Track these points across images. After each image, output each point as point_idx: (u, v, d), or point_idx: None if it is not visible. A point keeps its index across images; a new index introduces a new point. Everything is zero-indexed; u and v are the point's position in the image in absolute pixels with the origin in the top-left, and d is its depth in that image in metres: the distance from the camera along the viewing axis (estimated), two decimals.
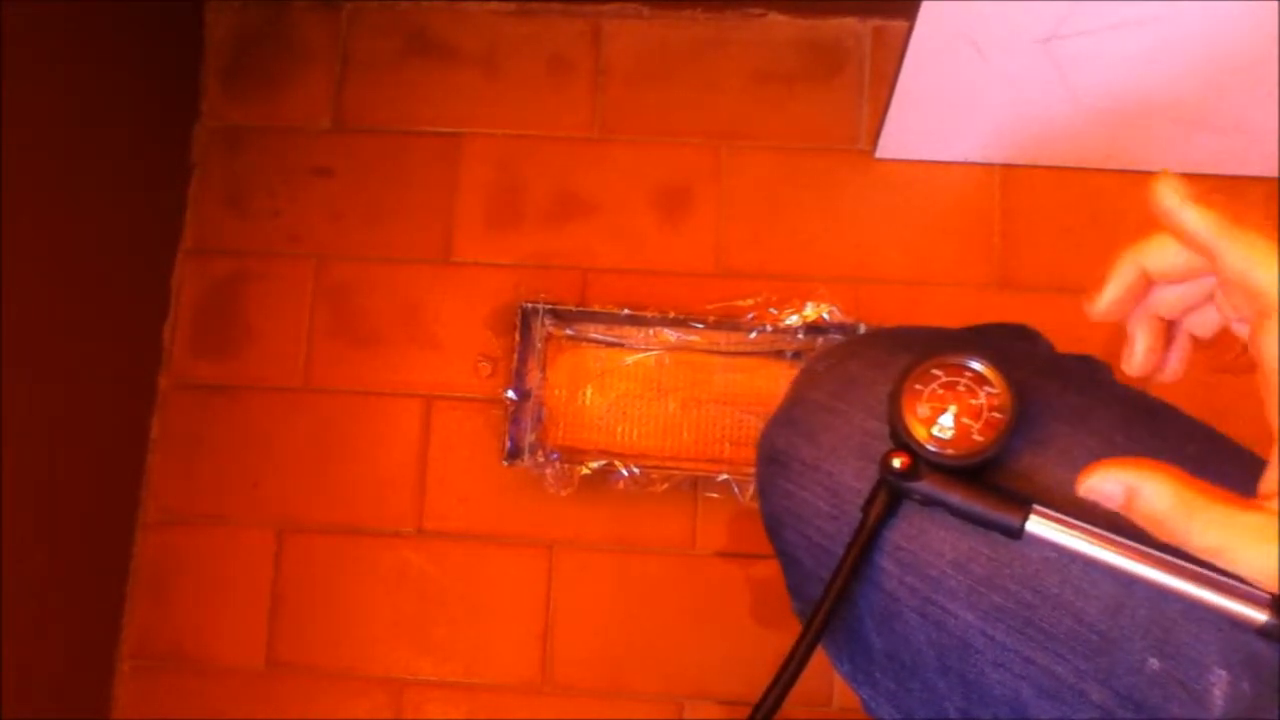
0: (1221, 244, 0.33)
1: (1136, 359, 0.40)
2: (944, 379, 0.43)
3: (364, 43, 1.15)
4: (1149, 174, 1.13)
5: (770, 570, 1.04)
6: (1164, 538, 0.33)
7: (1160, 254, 0.36)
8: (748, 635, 1.03)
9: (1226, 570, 0.31)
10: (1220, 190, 0.35)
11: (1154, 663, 0.39)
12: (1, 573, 0.84)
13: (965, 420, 0.42)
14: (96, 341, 0.99)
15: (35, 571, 0.90)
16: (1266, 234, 0.33)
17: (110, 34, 0.98)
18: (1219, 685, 0.38)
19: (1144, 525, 0.33)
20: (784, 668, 0.45)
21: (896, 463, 0.42)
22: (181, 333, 1.11)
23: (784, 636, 1.04)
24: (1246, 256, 0.33)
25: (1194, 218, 0.34)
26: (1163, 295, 0.38)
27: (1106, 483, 0.34)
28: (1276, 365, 0.32)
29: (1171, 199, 0.35)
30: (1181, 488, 0.32)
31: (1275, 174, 1.05)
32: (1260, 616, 0.34)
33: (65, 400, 0.94)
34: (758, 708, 0.44)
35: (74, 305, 0.94)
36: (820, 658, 0.48)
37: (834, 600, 0.44)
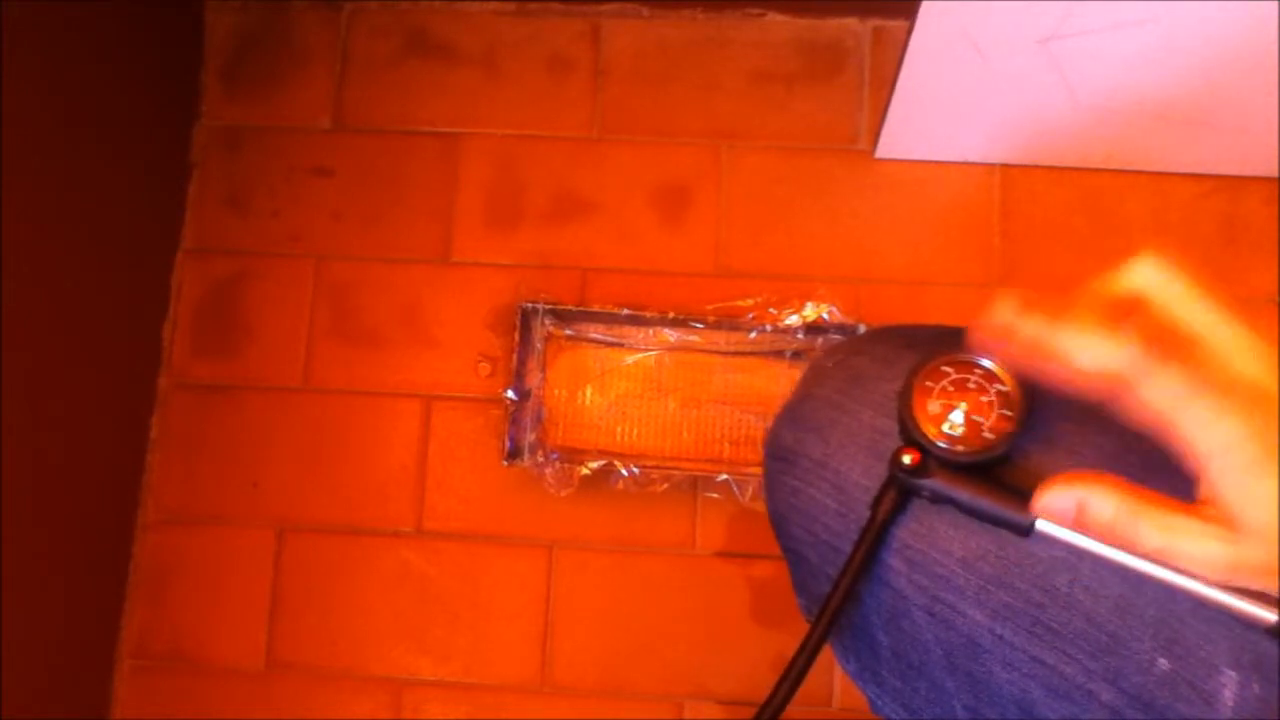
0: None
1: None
2: (954, 376, 0.43)
3: (364, 43, 1.15)
4: (1149, 174, 1.13)
5: (770, 570, 1.04)
6: (1114, 543, 0.36)
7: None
8: (748, 635, 1.03)
9: (1173, 567, 0.35)
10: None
11: (1163, 663, 0.39)
12: (2, 573, 0.84)
13: (975, 417, 0.42)
14: (96, 341, 0.99)
15: (35, 571, 0.90)
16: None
17: (110, 34, 0.98)
18: (1228, 686, 0.38)
19: (1096, 533, 0.36)
20: (791, 665, 0.45)
21: (906, 459, 0.42)
22: (181, 333, 1.11)
23: (784, 636, 1.04)
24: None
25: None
26: None
27: (1058, 499, 0.37)
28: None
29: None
30: (1126, 495, 0.35)
31: (1275, 174, 1.05)
32: (1271, 616, 0.34)
33: (65, 400, 0.93)
34: (765, 705, 0.44)
35: (74, 305, 0.94)
36: (824, 656, 0.48)
37: (841, 598, 0.44)
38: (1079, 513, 0.36)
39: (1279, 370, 0.32)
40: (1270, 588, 0.34)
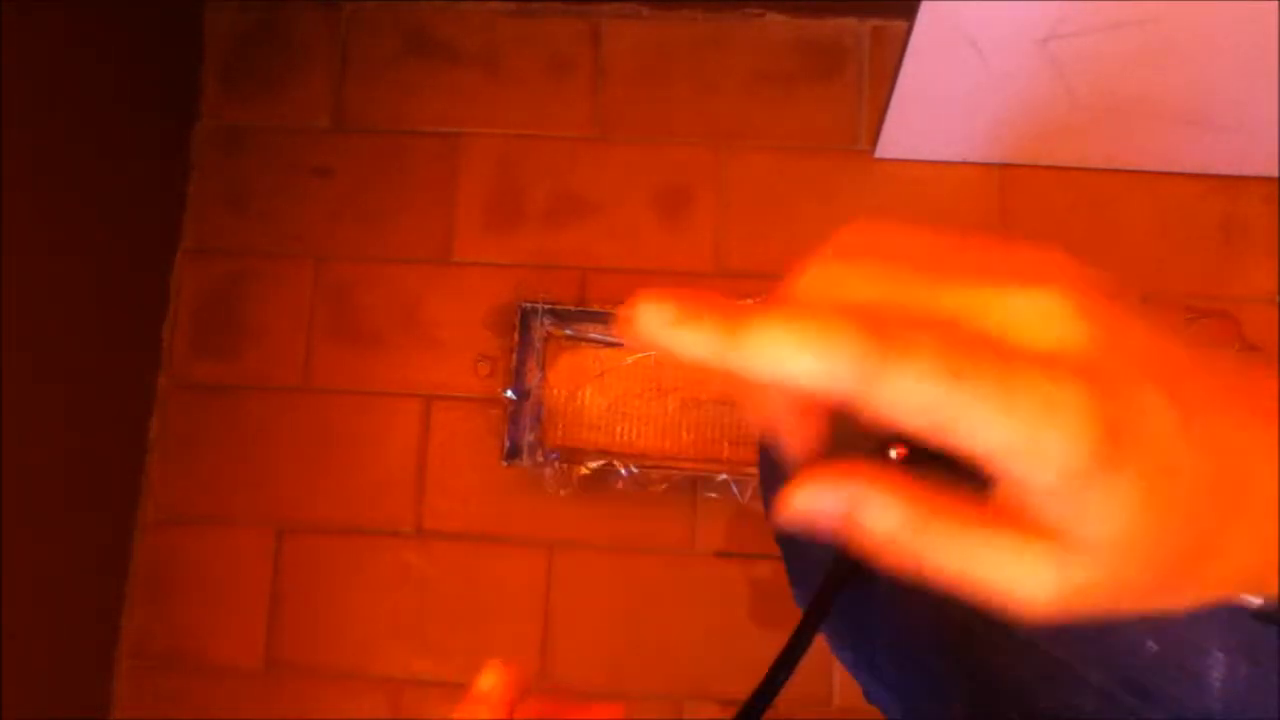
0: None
1: None
2: None
3: (364, 43, 1.15)
4: (1149, 174, 1.13)
5: (770, 570, 1.03)
6: (895, 561, 0.25)
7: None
8: (747, 635, 1.03)
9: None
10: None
11: (1152, 646, 0.39)
12: (1, 573, 0.84)
13: None
14: (96, 341, 0.99)
15: (35, 571, 0.90)
16: None
17: (110, 34, 0.98)
18: (1216, 668, 0.38)
19: (869, 550, 0.25)
20: (778, 663, 0.45)
21: (893, 454, 0.42)
22: (181, 333, 1.11)
23: (783, 636, 1.04)
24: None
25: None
26: None
27: (816, 501, 0.25)
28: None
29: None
30: (910, 504, 0.25)
31: (1275, 174, 1.05)
32: (1256, 599, 0.34)
33: (65, 400, 0.94)
34: (753, 700, 0.44)
35: (74, 305, 0.94)
36: (822, 657, 0.48)
37: (833, 590, 0.44)
38: (847, 521, 0.25)
39: (1101, 322, 0.22)
40: (1115, 612, 0.26)
